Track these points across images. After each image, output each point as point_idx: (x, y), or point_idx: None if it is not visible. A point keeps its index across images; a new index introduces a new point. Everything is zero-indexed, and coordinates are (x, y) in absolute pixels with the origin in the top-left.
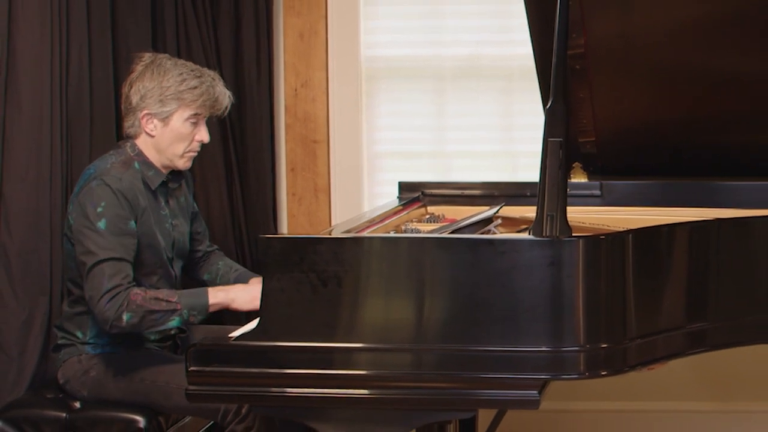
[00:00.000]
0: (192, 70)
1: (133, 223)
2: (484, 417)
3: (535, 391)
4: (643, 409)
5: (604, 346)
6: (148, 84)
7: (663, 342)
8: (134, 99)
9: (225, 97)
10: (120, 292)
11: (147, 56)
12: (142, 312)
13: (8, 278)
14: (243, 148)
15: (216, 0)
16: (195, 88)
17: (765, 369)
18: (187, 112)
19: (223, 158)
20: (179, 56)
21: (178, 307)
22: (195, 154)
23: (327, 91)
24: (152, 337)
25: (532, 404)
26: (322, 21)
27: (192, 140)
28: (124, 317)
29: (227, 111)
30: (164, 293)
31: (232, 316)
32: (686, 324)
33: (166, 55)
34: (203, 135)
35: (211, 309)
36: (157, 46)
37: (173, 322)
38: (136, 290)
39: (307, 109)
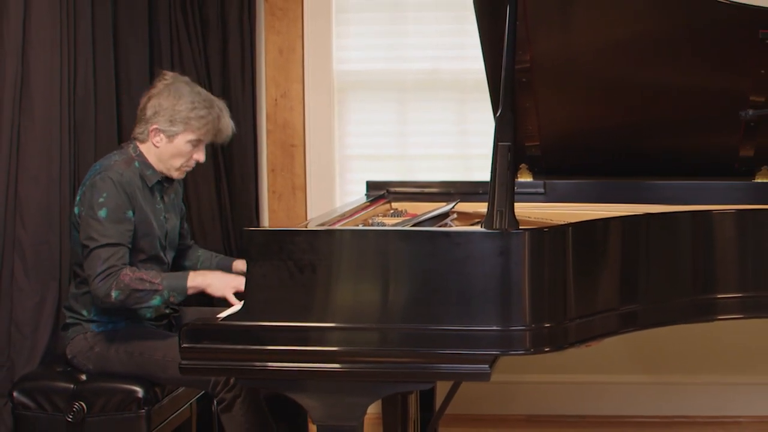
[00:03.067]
0: (204, 100)
1: (130, 212)
2: (442, 388)
3: (487, 366)
4: (581, 381)
5: (548, 325)
6: (164, 103)
7: (599, 322)
8: (149, 112)
9: (228, 128)
10: (113, 273)
11: (169, 76)
12: (128, 290)
13: (23, 266)
14: (229, 151)
15: (206, 20)
16: (202, 117)
17: (688, 346)
18: (191, 136)
19: (212, 160)
20: (173, 70)
21: (160, 288)
22: (189, 169)
23: (303, 101)
24: (148, 315)
25: (484, 377)
26: (299, 39)
27: (190, 158)
28: (113, 294)
29: (228, 140)
30: (150, 275)
31: (222, 299)
32: (620, 306)
33: (186, 79)
34: (200, 156)
35: (190, 291)
36: (154, 61)
37: (155, 301)
38: (126, 271)
39: (286, 116)
